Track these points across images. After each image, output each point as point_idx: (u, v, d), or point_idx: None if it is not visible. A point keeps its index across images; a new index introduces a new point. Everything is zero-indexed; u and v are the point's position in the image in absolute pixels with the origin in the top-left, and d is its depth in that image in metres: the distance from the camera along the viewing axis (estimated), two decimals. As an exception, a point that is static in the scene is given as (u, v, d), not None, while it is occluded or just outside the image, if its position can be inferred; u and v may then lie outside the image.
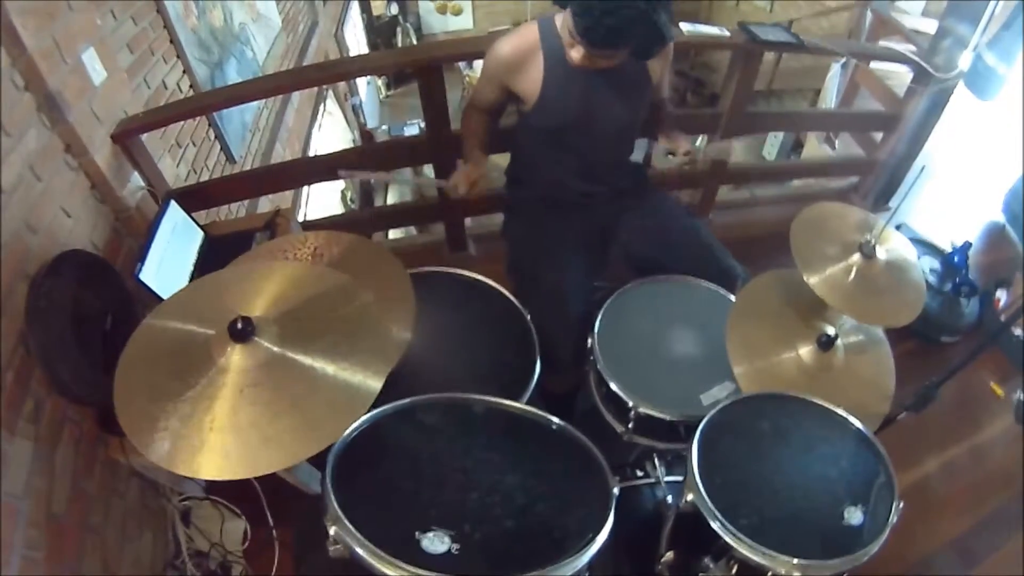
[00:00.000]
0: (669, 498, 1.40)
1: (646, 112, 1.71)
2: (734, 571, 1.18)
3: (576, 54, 1.43)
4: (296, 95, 4.16)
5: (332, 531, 0.97)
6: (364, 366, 1.03)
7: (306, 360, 1.02)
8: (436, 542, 0.98)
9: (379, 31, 8.00)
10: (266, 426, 0.95)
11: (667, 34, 1.39)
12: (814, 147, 4.56)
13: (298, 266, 1.26)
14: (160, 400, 0.97)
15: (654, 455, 1.51)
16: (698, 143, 1.61)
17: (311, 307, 1.12)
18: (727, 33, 2.25)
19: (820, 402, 1.32)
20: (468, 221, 2.70)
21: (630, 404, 1.43)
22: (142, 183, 1.95)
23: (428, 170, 2.83)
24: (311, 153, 4.30)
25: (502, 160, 1.91)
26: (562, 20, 1.48)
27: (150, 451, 0.92)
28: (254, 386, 0.99)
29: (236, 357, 1.00)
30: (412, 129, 6.37)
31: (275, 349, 1.02)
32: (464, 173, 1.58)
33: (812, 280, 1.39)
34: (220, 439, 0.94)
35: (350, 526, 0.95)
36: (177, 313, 1.12)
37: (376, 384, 1.01)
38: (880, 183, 2.99)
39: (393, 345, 1.08)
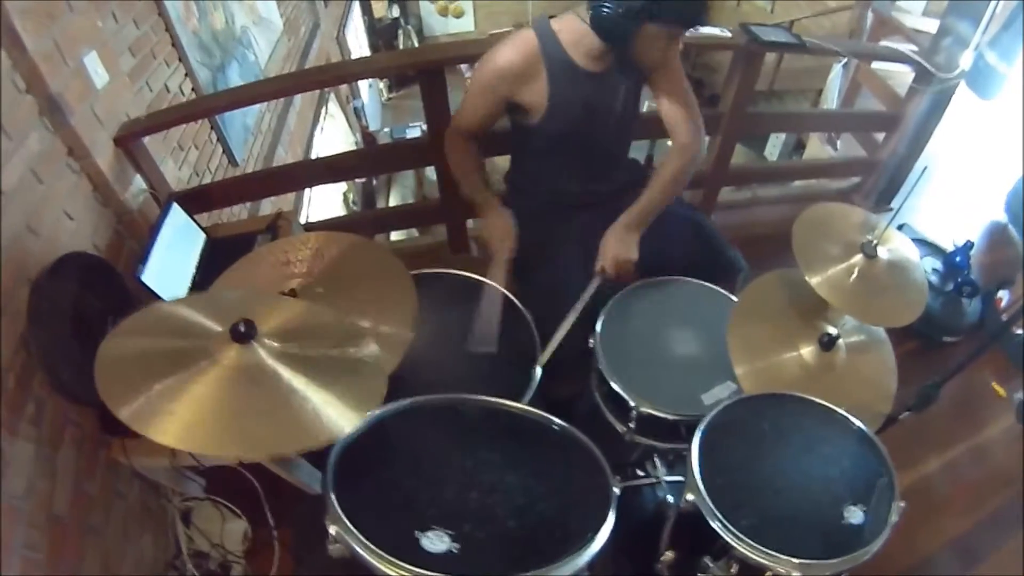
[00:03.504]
0: (670, 498, 1.39)
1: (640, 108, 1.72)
2: (734, 571, 1.18)
3: (673, 46, 1.45)
4: (298, 98, 4.17)
5: (332, 531, 0.97)
6: (345, 403, 1.02)
7: (292, 379, 1.02)
8: (436, 542, 0.98)
9: (380, 33, 8.01)
10: (231, 415, 0.97)
11: None
12: (816, 147, 4.55)
13: (321, 307, 1.25)
14: (145, 368, 0.98)
15: (655, 455, 1.51)
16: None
17: (318, 336, 1.13)
18: (728, 34, 2.25)
19: (821, 402, 1.32)
20: (470, 223, 2.70)
21: (631, 404, 1.43)
22: (144, 186, 1.96)
23: (430, 172, 2.84)
24: (313, 156, 4.31)
25: (503, 161, 1.91)
26: (565, 24, 1.47)
27: (120, 409, 0.92)
28: (235, 382, 1.00)
29: (231, 354, 1.01)
30: (414, 131, 6.36)
31: (268, 360, 1.03)
32: (497, 229, 1.58)
33: (814, 280, 1.39)
34: (184, 412, 0.94)
35: (350, 526, 0.96)
36: (193, 304, 1.14)
37: (347, 423, 1.00)
38: (882, 183, 2.99)
39: (379, 393, 1.08)
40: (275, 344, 1.05)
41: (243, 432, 0.97)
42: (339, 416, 1.00)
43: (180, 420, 0.93)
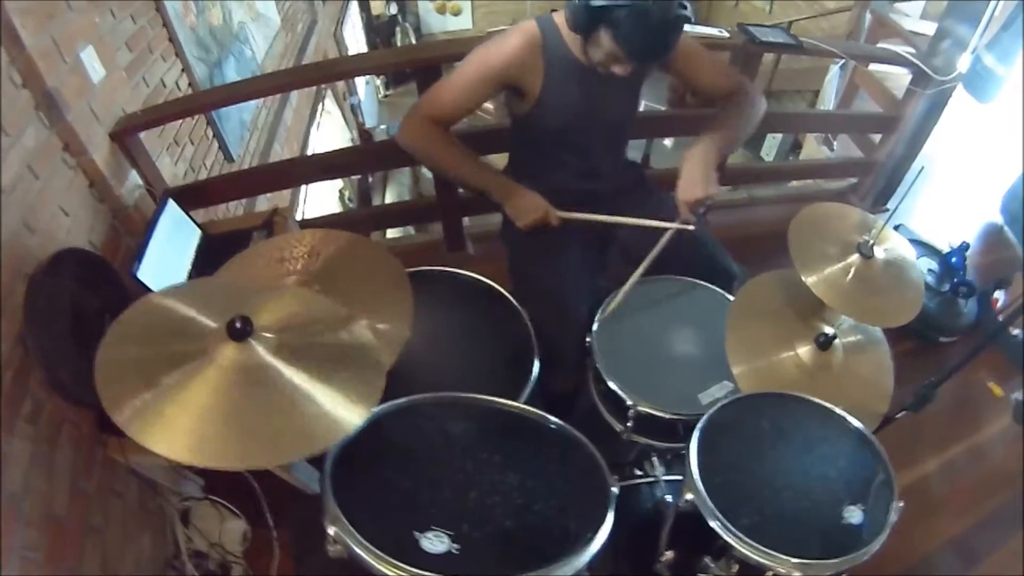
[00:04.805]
0: (668, 497, 1.40)
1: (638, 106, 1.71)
2: (734, 570, 1.18)
3: (620, 69, 1.44)
4: (295, 94, 4.16)
5: (331, 531, 0.97)
6: (348, 396, 1.02)
7: (293, 376, 1.01)
8: (435, 542, 0.98)
9: (378, 31, 7.99)
10: (236, 423, 0.95)
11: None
12: (813, 148, 4.57)
13: (312, 294, 1.26)
14: (143, 371, 0.97)
15: (653, 454, 1.51)
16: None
17: (313, 329, 1.12)
18: (726, 34, 2.25)
19: (819, 401, 1.32)
20: (466, 220, 2.70)
21: (629, 403, 1.43)
22: (140, 182, 1.95)
23: (426, 170, 2.84)
24: (309, 152, 4.30)
25: (502, 160, 1.91)
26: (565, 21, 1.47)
27: (115, 413, 0.92)
28: (236, 384, 0.99)
29: (228, 353, 1.00)
30: (411, 129, 6.34)
31: (267, 357, 1.02)
32: (533, 206, 1.59)
33: (810, 280, 1.39)
34: (186, 421, 0.93)
35: (349, 526, 0.96)
36: (185, 298, 1.12)
37: (356, 418, 1.00)
38: (879, 184, 3.00)
39: (380, 384, 1.07)
40: (271, 338, 1.04)
41: (247, 440, 0.94)
42: (345, 412, 0.99)
43: (179, 429, 0.92)
